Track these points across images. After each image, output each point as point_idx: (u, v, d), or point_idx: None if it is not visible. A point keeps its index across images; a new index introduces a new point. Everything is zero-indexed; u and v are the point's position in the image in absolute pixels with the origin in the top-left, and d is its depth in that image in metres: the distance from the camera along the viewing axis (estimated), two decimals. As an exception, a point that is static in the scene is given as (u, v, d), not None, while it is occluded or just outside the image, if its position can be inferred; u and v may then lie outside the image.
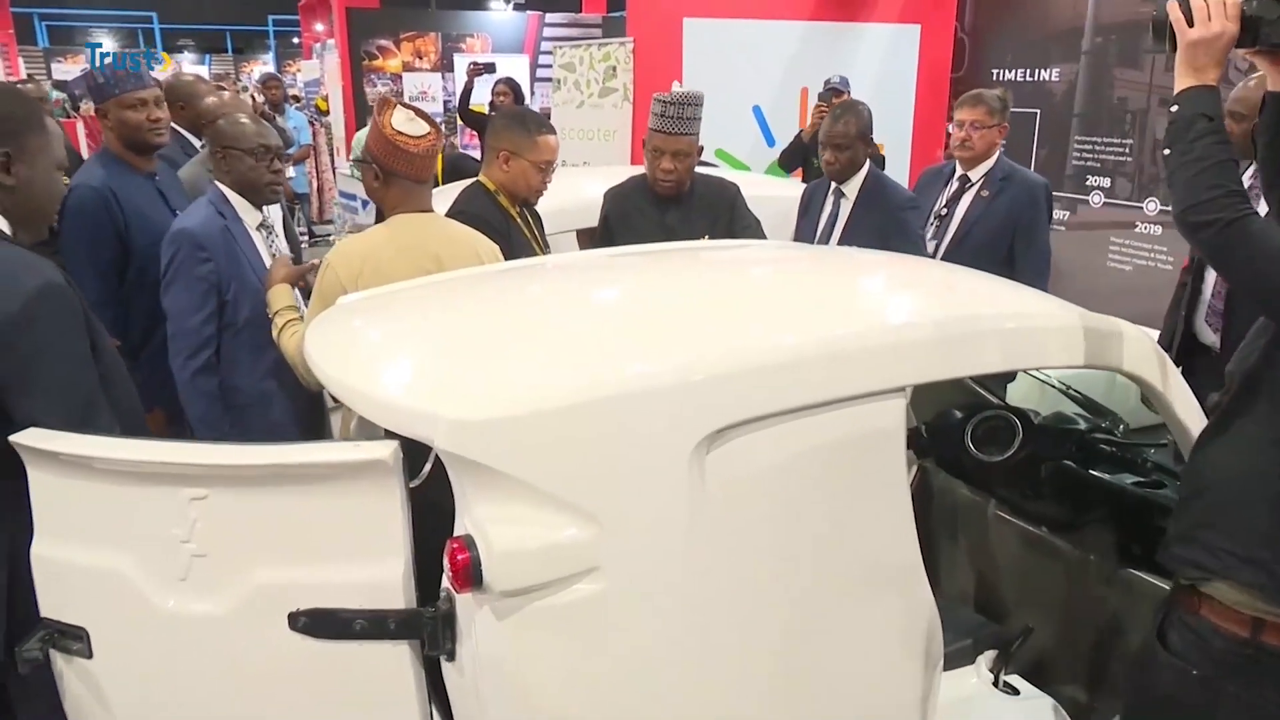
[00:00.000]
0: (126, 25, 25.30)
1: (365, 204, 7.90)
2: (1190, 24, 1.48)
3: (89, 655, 1.52)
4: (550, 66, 9.88)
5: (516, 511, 1.28)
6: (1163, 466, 2.31)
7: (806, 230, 3.42)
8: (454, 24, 10.58)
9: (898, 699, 1.58)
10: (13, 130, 1.76)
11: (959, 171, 3.47)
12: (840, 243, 3.28)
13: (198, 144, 3.99)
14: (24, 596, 1.63)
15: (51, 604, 1.53)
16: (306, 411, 2.58)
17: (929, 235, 3.45)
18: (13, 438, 1.49)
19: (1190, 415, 1.93)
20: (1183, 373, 3.02)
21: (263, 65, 25.83)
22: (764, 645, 1.44)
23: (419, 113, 2.31)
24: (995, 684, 2.22)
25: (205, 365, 2.40)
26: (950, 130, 3.48)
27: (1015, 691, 2.21)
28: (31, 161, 1.81)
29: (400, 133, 2.24)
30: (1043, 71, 6.40)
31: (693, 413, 1.36)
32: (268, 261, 2.53)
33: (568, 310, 1.80)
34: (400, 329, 1.72)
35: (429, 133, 2.28)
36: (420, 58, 10.26)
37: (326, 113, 10.86)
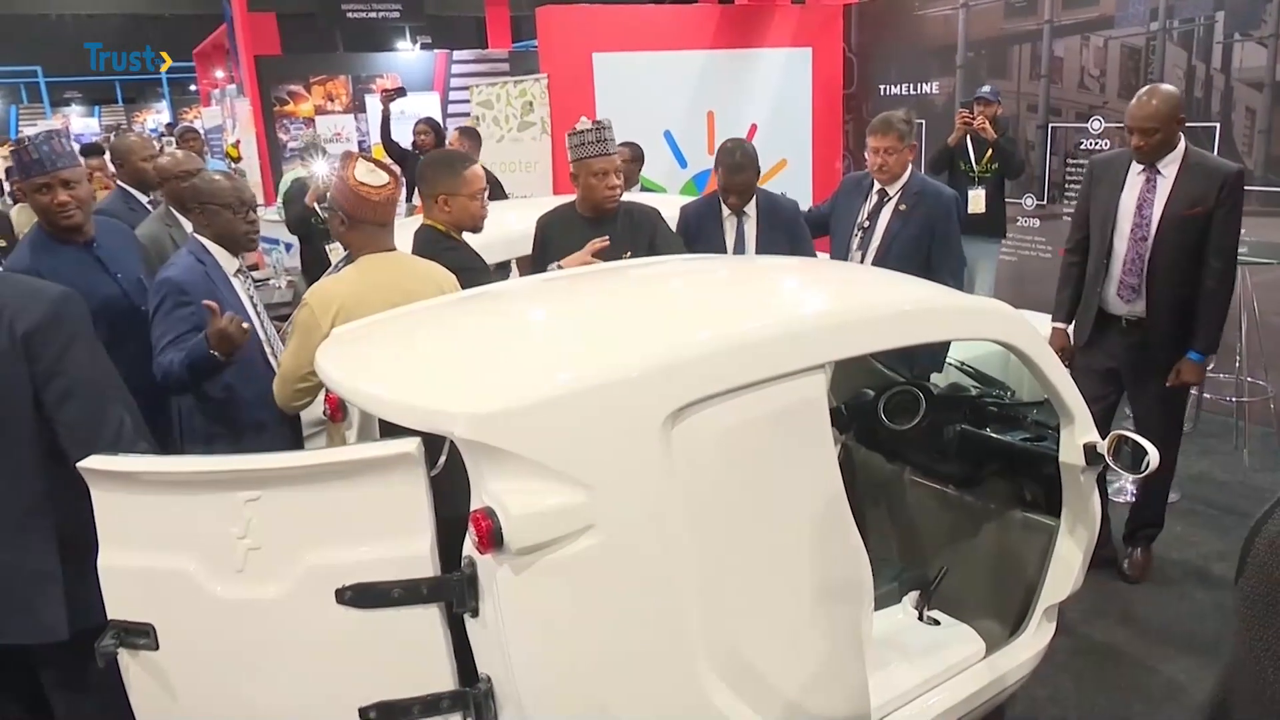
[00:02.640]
0: (8, 81, 24.52)
1: (289, 247, 8.04)
2: None
3: (155, 648, 1.75)
4: (461, 103, 10.16)
5: (525, 484, 1.58)
6: (1042, 423, 2.73)
7: (710, 248, 3.66)
8: (363, 65, 10.76)
9: (839, 615, 1.93)
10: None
11: (877, 185, 3.79)
12: (758, 253, 3.65)
13: (143, 199, 4.16)
14: (78, 584, 1.88)
15: (118, 606, 1.75)
16: (291, 436, 2.81)
17: (854, 246, 3.82)
18: (80, 464, 1.72)
19: (1056, 373, 2.33)
20: (1097, 340, 3.54)
21: (157, 114, 25.29)
22: (727, 577, 1.76)
23: (379, 164, 2.59)
24: (920, 618, 2.61)
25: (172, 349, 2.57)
26: (866, 155, 3.80)
27: (936, 623, 2.59)
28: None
29: (363, 183, 2.50)
30: (924, 85, 6.98)
31: (657, 396, 1.68)
32: (246, 303, 2.76)
33: (541, 322, 2.12)
34: (404, 346, 2.01)
35: (388, 182, 2.55)
36: (332, 100, 10.41)
37: (239, 159, 10.89)
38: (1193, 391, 4.82)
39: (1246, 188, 5.01)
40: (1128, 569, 3.69)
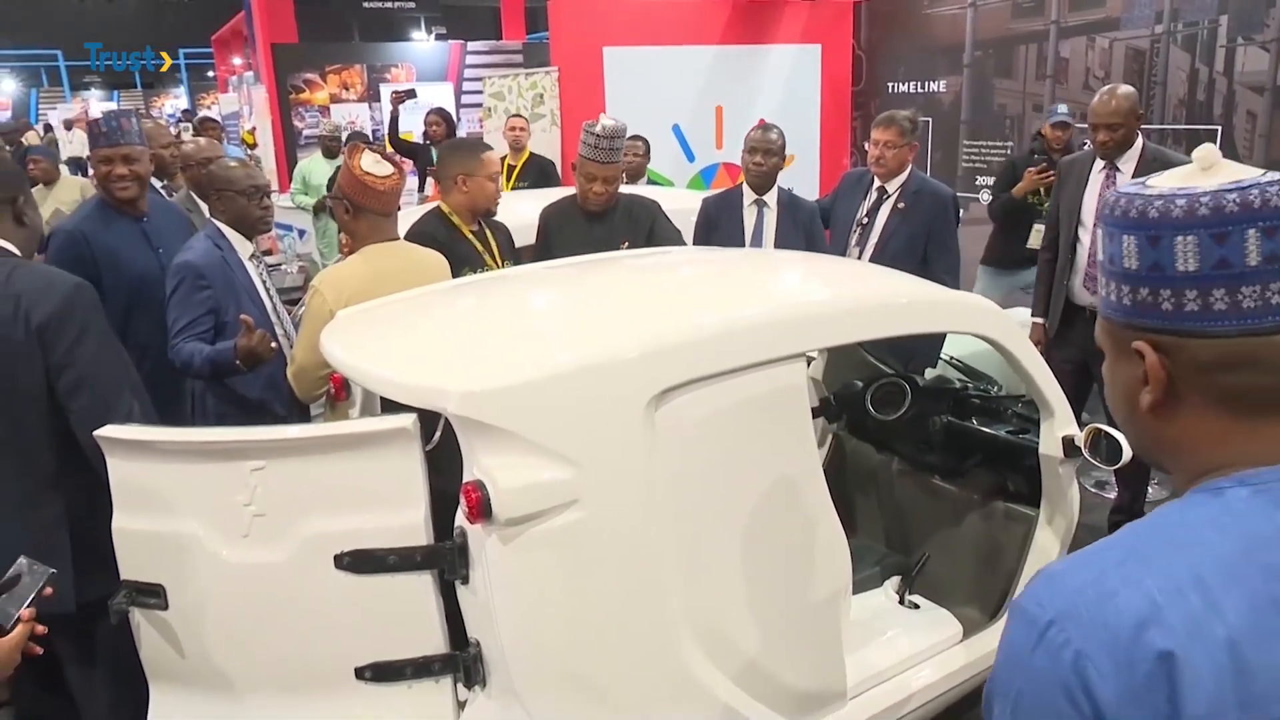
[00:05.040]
0: (29, 65, 24.74)
1: (302, 233, 8.16)
2: None
3: (165, 607, 1.85)
4: (474, 94, 10.26)
5: (514, 459, 1.67)
6: (1025, 416, 2.81)
7: (729, 239, 3.81)
8: (378, 55, 10.88)
9: (816, 593, 2.02)
10: (20, 184, 2.20)
11: (877, 183, 3.89)
12: (775, 245, 3.74)
13: (158, 185, 4.28)
14: (86, 559, 1.99)
15: (131, 567, 1.86)
16: (299, 415, 2.92)
17: (852, 242, 3.93)
18: (96, 433, 1.83)
19: (1035, 367, 2.41)
20: (1065, 332, 3.69)
21: (174, 99, 25.49)
22: (707, 554, 1.86)
23: (384, 156, 2.70)
24: (900, 602, 2.68)
25: (190, 337, 2.69)
26: (866, 147, 3.90)
27: (916, 607, 2.67)
28: (34, 207, 2.21)
29: (369, 173, 2.61)
30: (932, 83, 7.02)
31: (644, 378, 1.77)
32: (259, 287, 2.87)
33: (534, 307, 2.22)
34: (404, 328, 2.11)
35: (393, 173, 2.66)
36: (347, 89, 10.54)
37: (254, 146, 11.03)
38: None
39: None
40: None
